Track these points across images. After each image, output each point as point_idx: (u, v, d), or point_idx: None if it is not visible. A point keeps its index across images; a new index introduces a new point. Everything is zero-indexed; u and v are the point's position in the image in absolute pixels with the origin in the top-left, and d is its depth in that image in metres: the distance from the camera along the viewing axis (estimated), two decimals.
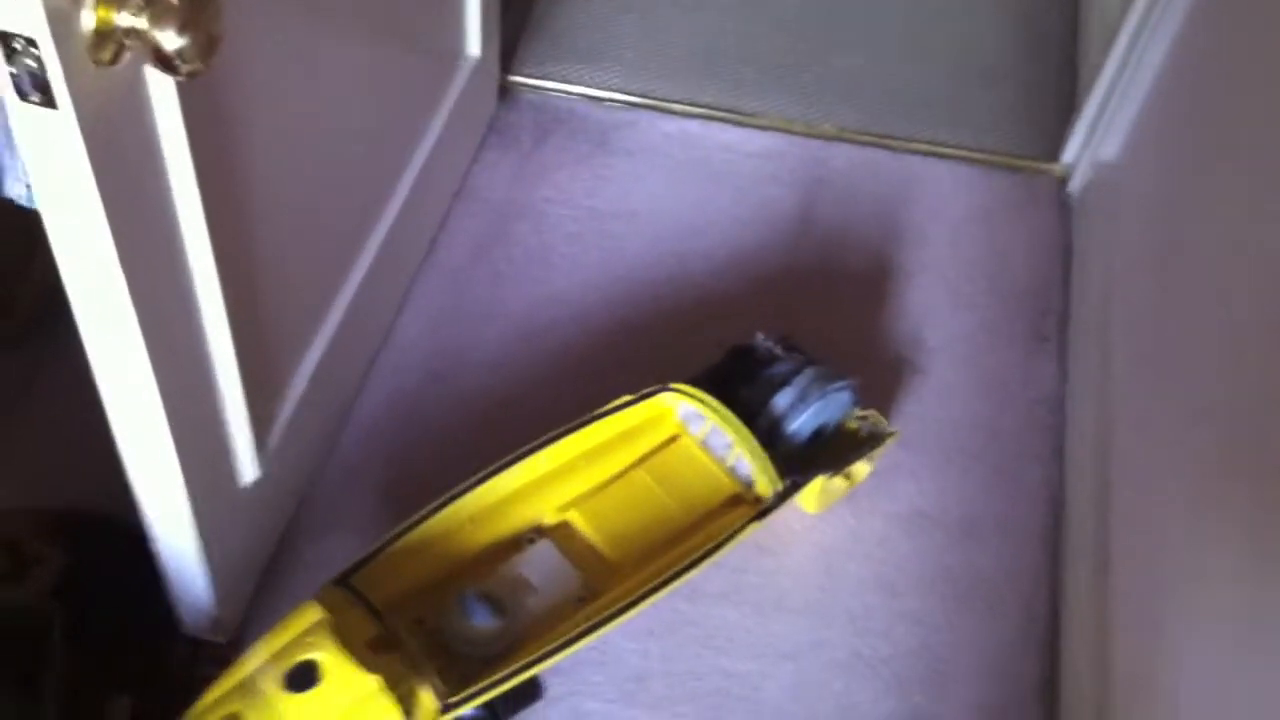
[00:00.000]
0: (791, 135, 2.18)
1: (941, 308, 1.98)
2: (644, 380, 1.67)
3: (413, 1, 1.73)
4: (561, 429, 1.61)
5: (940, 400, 1.87)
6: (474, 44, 1.96)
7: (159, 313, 1.17)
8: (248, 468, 1.45)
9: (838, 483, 1.70)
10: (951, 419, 1.85)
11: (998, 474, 1.81)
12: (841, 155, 2.17)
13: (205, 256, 1.21)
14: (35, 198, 1.08)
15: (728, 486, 1.65)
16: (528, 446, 1.58)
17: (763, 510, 1.59)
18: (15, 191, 1.33)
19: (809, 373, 1.69)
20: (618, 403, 1.65)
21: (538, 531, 1.57)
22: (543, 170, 2.10)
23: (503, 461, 1.56)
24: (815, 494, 1.68)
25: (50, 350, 1.72)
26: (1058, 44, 2.36)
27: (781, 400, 1.67)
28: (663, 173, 2.11)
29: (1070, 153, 2.14)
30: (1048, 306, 1.99)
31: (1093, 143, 2.06)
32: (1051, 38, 2.38)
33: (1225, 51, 1.68)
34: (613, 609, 1.47)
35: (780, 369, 1.71)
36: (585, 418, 1.62)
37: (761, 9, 2.38)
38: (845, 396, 1.71)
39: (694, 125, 2.19)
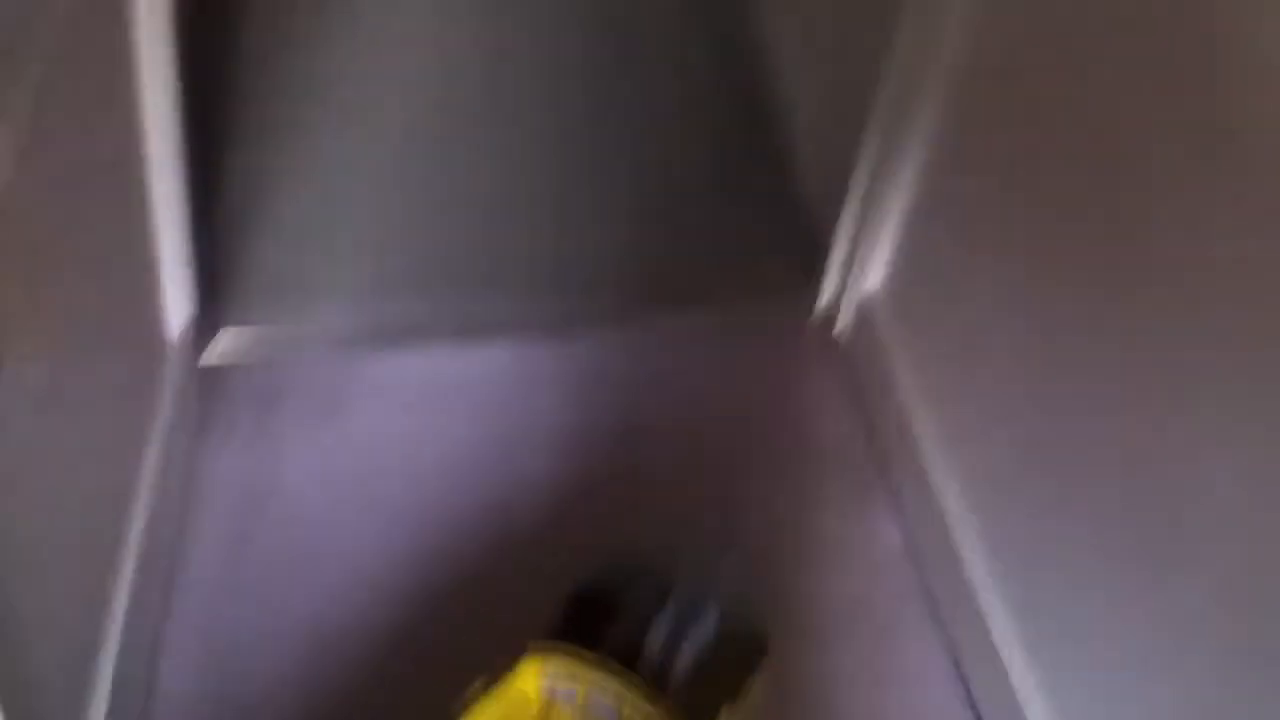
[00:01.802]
0: (535, 340, 1.99)
1: (756, 483, 1.82)
2: (477, 655, 1.41)
3: (98, 283, 1.43)
4: None
5: (794, 581, 1.69)
6: (171, 317, 1.67)
7: None
8: None
9: (741, 709, 1.48)
10: (812, 599, 1.68)
11: (881, 641, 1.64)
12: (595, 348, 1.99)
13: None
14: None
15: None
16: None
17: None
18: None
19: (676, 598, 1.48)
20: (474, 692, 1.38)
21: None
22: (278, 442, 1.80)
23: None
24: None
25: None
26: (781, 194, 2.29)
27: (657, 637, 1.44)
28: (414, 413, 1.87)
29: (826, 297, 2.05)
30: (857, 456, 1.87)
31: (850, 284, 1.98)
32: (775, 189, 2.30)
33: (982, 164, 1.64)
34: None
35: (641, 596, 1.49)
36: None
37: (468, 211, 2.18)
38: (715, 613, 1.50)
39: (432, 353, 1.96)
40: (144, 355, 1.62)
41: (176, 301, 1.71)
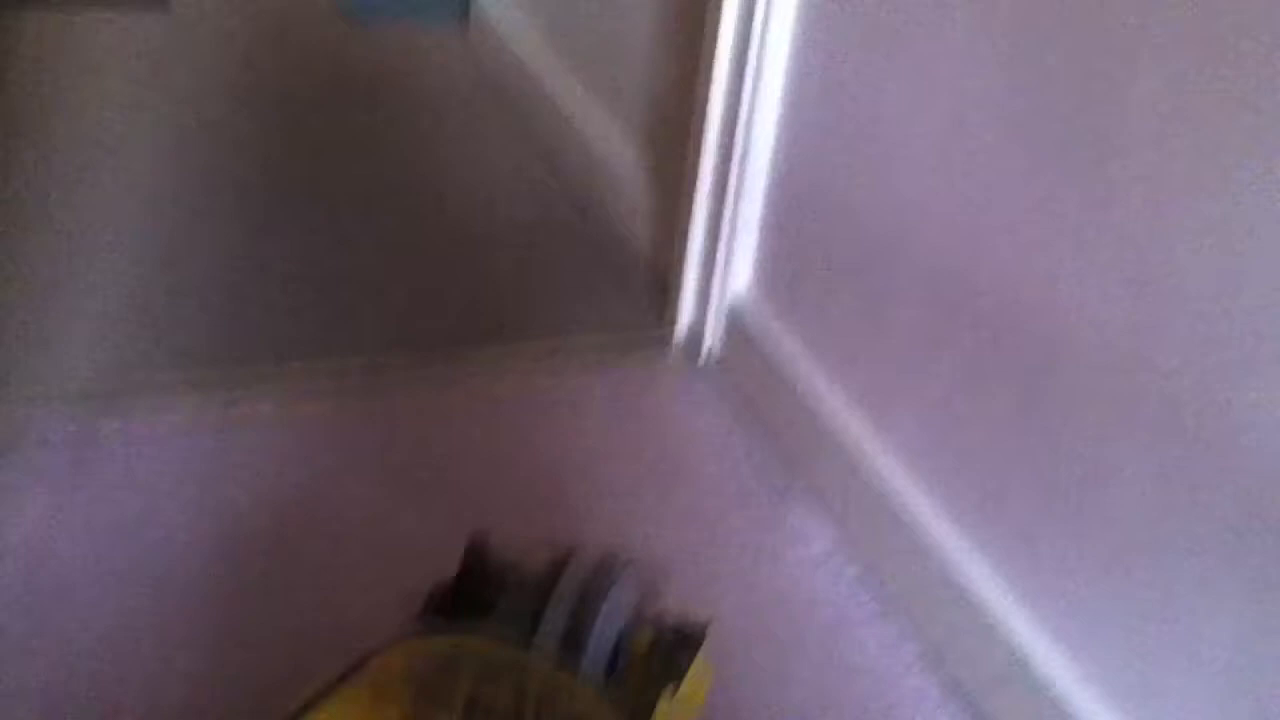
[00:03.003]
0: (332, 396, 1.61)
1: (649, 510, 1.45)
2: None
3: None
4: None
5: (711, 595, 1.32)
6: None
7: None
8: None
9: (679, 709, 1.08)
10: (746, 608, 1.30)
11: (834, 635, 1.27)
12: (403, 397, 1.62)
13: None
14: None
15: None
16: None
17: None
18: None
19: (581, 558, 1.09)
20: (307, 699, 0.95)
21: None
22: (9, 501, 1.35)
23: None
24: None
25: None
26: (608, 238, 2.03)
27: (559, 612, 1.05)
28: (185, 465, 1.44)
29: (685, 320, 1.76)
30: (759, 461, 1.53)
31: (711, 299, 1.70)
32: (599, 235, 2.05)
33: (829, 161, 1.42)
34: None
35: (528, 577, 1.09)
36: None
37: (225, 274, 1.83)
38: (632, 580, 1.12)
39: (202, 402, 1.55)
40: None
41: None
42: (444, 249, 1.94)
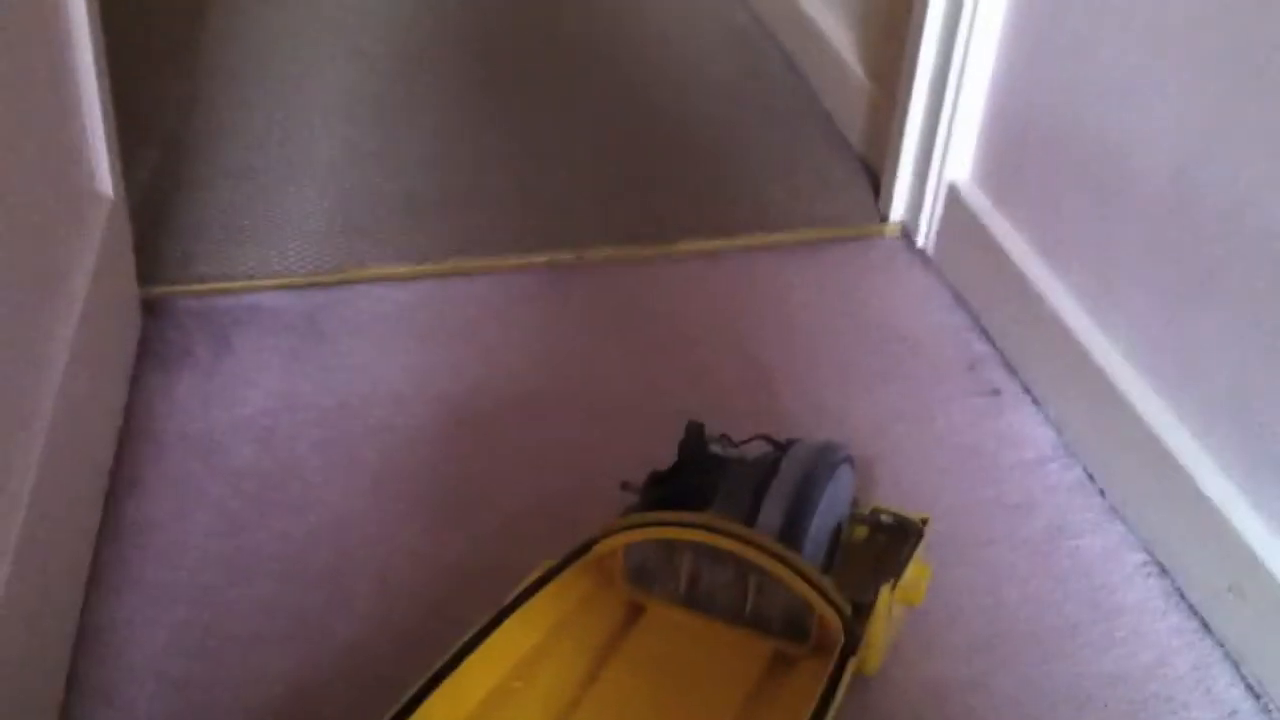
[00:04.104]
0: (551, 267, 1.62)
1: (857, 392, 1.43)
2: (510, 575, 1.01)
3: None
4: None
5: (925, 494, 1.30)
6: (91, 251, 1.28)
7: None
8: None
9: (896, 607, 1.07)
10: (953, 510, 1.28)
11: (1048, 557, 1.24)
12: (629, 275, 1.62)
13: None
14: None
15: (759, 649, 0.98)
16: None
17: (848, 647, 0.93)
18: None
19: (799, 449, 1.08)
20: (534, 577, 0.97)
21: None
22: (241, 380, 1.41)
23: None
24: (878, 631, 1.03)
25: None
26: (807, 109, 1.99)
27: (778, 497, 1.04)
28: (407, 344, 1.48)
29: (901, 206, 1.72)
30: (975, 358, 1.50)
31: (928, 186, 1.65)
32: (795, 108, 2.01)
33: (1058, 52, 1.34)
34: None
35: (750, 457, 1.10)
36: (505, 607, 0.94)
37: (436, 153, 1.84)
38: (848, 472, 1.11)
39: (424, 286, 1.58)
40: (70, 280, 1.22)
41: (117, 227, 1.35)
42: (654, 140, 1.92)
